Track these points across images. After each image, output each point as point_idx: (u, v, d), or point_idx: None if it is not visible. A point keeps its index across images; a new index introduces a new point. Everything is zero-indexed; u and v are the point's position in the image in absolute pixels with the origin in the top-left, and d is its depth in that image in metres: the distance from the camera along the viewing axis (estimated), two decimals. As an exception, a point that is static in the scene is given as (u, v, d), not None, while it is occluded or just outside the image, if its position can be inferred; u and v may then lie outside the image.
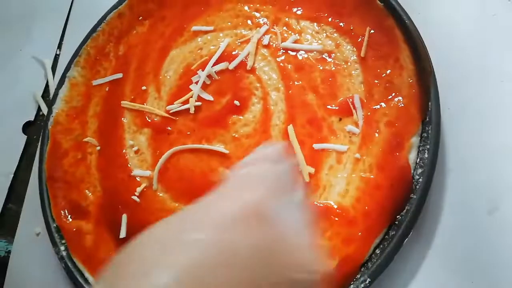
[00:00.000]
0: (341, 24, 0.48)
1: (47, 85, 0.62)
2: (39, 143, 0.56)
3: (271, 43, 0.50)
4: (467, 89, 0.43)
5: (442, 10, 0.47)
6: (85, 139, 0.54)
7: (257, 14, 0.52)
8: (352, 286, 0.39)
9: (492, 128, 0.42)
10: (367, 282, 0.38)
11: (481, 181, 0.41)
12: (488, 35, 0.44)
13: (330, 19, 0.49)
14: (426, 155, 0.40)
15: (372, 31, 0.46)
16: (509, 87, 0.43)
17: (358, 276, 0.39)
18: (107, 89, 0.56)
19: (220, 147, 0.48)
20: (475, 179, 0.41)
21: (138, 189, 0.49)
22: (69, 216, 0.51)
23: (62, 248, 0.49)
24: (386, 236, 0.40)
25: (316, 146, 0.44)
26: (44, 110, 0.60)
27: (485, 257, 0.39)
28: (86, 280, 0.47)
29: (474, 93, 0.43)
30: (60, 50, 0.64)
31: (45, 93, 0.62)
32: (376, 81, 0.44)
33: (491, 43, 0.44)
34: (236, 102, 0.49)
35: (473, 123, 0.42)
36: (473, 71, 0.43)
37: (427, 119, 0.41)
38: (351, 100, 0.45)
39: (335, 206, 0.42)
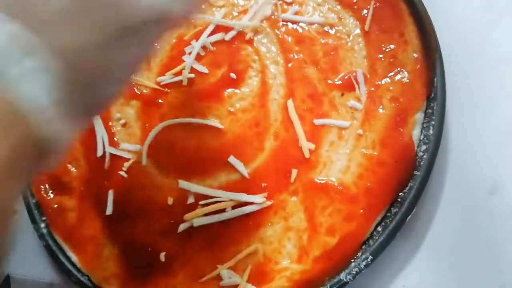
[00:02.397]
0: (344, -4, 0.46)
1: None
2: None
3: (271, 15, 0.48)
4: (472, 67, 0.43)
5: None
6: (68, 111, 0.50)
7: (256, -16, 0.50)
8: (353, 263, 0.38)
9: (495, 108, 0.41)
10: (368, 259, 0.37)
11: (483, 161, 0.41)
12: (496, 13, 0.44)
13: (332, -9, 0.47)
14: (430, 132, 0.39)
15: (376, 4, 0.44)
16: (509, 69, 0.42)
17: (359, 254, 0.38)
18: (92, 58, 0.52)
19: (214, 122, 0.46)
20: (477, 159, 0.41)
21: (126, 164, 0.46)
22: (50, 192, 0.47)
23: (42, 225, 0.46)
24: (388, 214, 0.39)
25: (317, 121, 0.43)
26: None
27: (486, 237, 0.38)
28: (68, 259, 0.44)
29: (479, 71, 0.42)
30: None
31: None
32: (380, 56, 0.43)
33: (500, 21, 0.43)
34: (232, 75, 0.47)
35: (477, 102, 0.42)
36: (480, 50, 0.43)
37: (432, 95, 0.40)
38: (353, 74, 0.43)
39: (336, 183, 0.41)
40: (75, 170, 0.48)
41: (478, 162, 0.41)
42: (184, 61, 0.48)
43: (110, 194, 0.46)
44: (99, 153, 0.47)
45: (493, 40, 0.44)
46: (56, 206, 0.47)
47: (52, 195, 0.47)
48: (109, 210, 0.45)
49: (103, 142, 0.48)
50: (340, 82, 0.44)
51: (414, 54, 0.42)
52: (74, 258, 0.44)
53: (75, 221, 0.46)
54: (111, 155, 0.47)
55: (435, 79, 0.40)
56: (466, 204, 0.40)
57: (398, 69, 0.42)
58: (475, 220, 0.39)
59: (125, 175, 0.46)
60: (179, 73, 0.48)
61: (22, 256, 0.48)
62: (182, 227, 0.42)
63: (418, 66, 0.41)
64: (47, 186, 0.47)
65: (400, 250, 0.39)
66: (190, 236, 0.42)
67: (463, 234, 0.39)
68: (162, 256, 0.42)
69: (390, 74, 0.42)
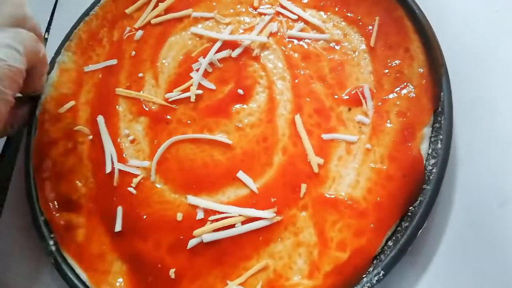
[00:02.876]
0: (348, 14, 0.47)
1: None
2: (26, 132, 0.52)
3: (276, 32, 0.49)
4: (477, 81, 0.43)
5: (452, 1, 0.47)
6: (76, 128, 0.50)
7: (262, 1, 0.51)
8: (365, 279, 0.38)
9: (502, 121, 0.42)
10: (380, 275, 0.37)
11: (491, 174, 0.41)
12: (502, 26, 0.44)
13: (337, 9, 0.48)
14: (438, 146, 0.40)
15: (381, 21, 0.45)
16: (516, 80, 0.43)
17: (371, 269, 0.38)
18: (100, 76, 0.53)
19: (223, 137, 0.46)
20: (485, 172, 0.41)
21: (135, 180, 0.47)
22: (58, 209, 0.47)
23: (51, 242, 0.46)
24: (398, 228, 0.39)
25: (325, 136, 0.43)
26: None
27: (496, 250, 0.38)
28: (77, 276, 0.44)
29: (486, 84, 0.43)
30: (48, 34, 0.60)
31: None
32: (385, 71, 0.44)
33: (505, 34, 0.44)
34: (240, 91, 0.47)
35: (483, 115, 0.42)
36: (486, 63, 0.43)
37: (439, 110, 0.41)
38: (360, 89, 0.44)
39: (346, 198, 0.41)
40: (83, 187, 0.48)
41: (487, 175, 0.41)
42: (191, 77, 0.49)
43: (119, 210, 0.46)
44: (108, 169, 0.48)
45: (499, 53, 0.44)
46: (64, 223, 0.47)
47: (60, 213, 0.47)
48: (118, 227, 0.45)
49: (112, 159, 0.48)
50: (347, 97, 0.44)
51: (420, 69, 0.42)
52: (83, 275, 0.44)
53: (84, 238, 0.46)
54: (120, 171, 0.47)
55: (442, 93, 0.41)
56: (476, 217, 0.40)
57: (404, 84, 0.43)
58: (485, 233, 0.39)
59: (134, 191, 0.46)
60: (187, 90, 0.49)
61: (30, 274, 0.48)
62: (191, 243, 0.42)
63: (424, 81, 0.42)
64: (55, 203, 0.48)
65: (412, 264, 0.39)
66: (199, 252, 0.42)
67: (475, 247, 0.39)
68: (172, 272, 0.42)
69: (396, 89, 0.43)
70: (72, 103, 0.52)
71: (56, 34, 0.58)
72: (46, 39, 0.60)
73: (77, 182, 0.48)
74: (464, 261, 0.39)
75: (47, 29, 0.61)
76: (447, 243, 0.39)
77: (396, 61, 0.44)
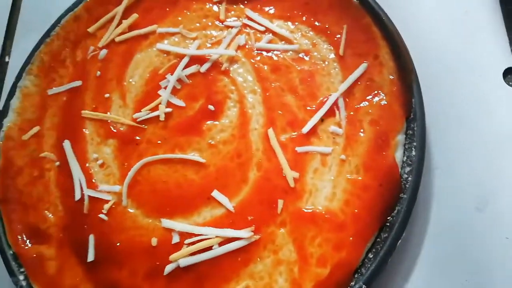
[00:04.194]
0: (316, 23, 0.47)
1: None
2: (-12, 161, 0.49)
3: (245, 44, 0.48)
4: (449, 84, 0.43)
5: (419, 6, 0.47)
6: (42, 154, 0.48)
7: (228, 14, 0.50)
8: (347, 294, 0.37)
9: (474, 124, 0.42)
10: (362, 289, 0.36)
11: (467, 178, 0.41)
12: (469, 28, 0.44)
13: (304, 18, 0.47)
14: (413, 153, 0.39)
15: (349, 29, 0.44)
16: (487, 82, 0.43)
17: (353, 283, 0.37)
18: (64, 98, 0.51)
19: (195, 156, 0.45)
20: (461, 176, 0.41)
21: (106, 206, 0.45)
22: (27, 241, 0.45)
23: (21, 277, 0.44)
24: (378, 239, 0.38)
25: (299, 149, 0.42)
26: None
27: (476, 254, 0.38)
28: (50, 312, 0.42)
29: (457, 87, 0.43)
30: (9, 57, 0.58)
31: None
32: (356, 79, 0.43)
33: (474, 36, 0.44)
34: (211, 107, 0.46)
35: (455, 118, 0.42)
36: (456, 66, 0.44)
37: (411, 116, 0.40)
38: (325, 100, 0.43)
39: (323, 211, 0.40)
40: (52, 217, 0.46)
41: (463, 179, 0.41)
42: (160, 95, 0.48)
43: (91, 238, 0.44)
44: (77, 196, 0.46)
45: (468, 55, 0.44)
46: (34, 256, 0.44)
47: (30, 245, 0.45)
48: (90, 256, 0.43)
49: (81, 185, 0.46)
50: (319, 108, 0.43)
51: (391, 76, 0.42)
52: (56, 310, 0.42)
53: (56, 270, 0.44)
54: (90, 197, 0.45)
55: (413, 100, 0.40)
56: (455, 222, 0.40)
57: (376, 91, 0.42)
58: (465, 237, 0.39)
59: (105, 218, 0.44)
60: (155, 108, 0.47)
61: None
62: (168, 268, 0.41)
63: (395, 88, 0.41)
64: (24, 235, 0.45)
65: (393, 275, 0.39)
66: (177, 278, 0.41)
67: (454, 253, 0.39)
68: (150, 301, 0.40)
69: (368, 97, 0.42)
70: (36, 128, 0.49)
71: (18, 57, 0.56)
72: (7, 63, 0.57)
73: (46, 211, 0.46)
74: (445, 268, 0.38)
75: (8, 53, 0.58)
76: (427, 252, 0.39)
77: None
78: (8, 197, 0.47)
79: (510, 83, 0.42)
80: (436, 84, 0.43)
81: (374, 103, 0.42)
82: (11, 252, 0.45)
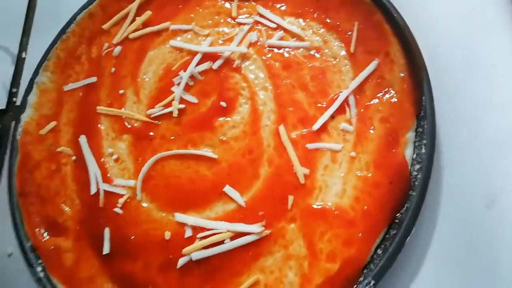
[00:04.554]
0: (327, 20, 0.47)
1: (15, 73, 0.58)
2: (7, 156, 0.51)
3: (256, 41, 0.48)
4: (458, 82, 0.43)
5: (431, 3, 0.47)
6: (59, 149, 0.50)
7: (240, 11, 0.50)
8: (356, 289, 0.38)
9: (485, 121, 0.42)
10: (371, 284, 0.37)
11: (477, 175, 0.40)
12: (479, 25, 0.44)
13: (315, 15, 0.47)
14: (423, 150, 0.39)
15: (360, 26, 0.45)
16: (497, 79, 0.43)
17: (362, 278, 0.38)
18: (80, 94, 0.52)
19: (207, 152, 0.45)
20: (471, 174, 0.41)
21: (121, 200, 0.46)
22: (45, 234, 0.47)
23: (39, 268, 0.45)
24: (387, 236, 0.39)
25: (310, 145, 0.43)
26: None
27: (485, 252, 0.38)
28: (67, 302, 0.44)
29: (467, 85, 0.43)
30: (26, 53, 0.59)
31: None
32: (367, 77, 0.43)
33: (483, 32, 0.44)
34: (223, 103, 0.47)
35: (466, 116, 0.42)
36: (466, 63, 0.43)
37: (422, 114, 0.41)
38: (336, 96, 0.43)
39: (333, 208, 0.40)
40: (69, 210, 0.47)
41: (473, 177, 0.41)
42: (173, 92, 0.49)
43: (107, 232, 0.45)
44: (93, 190, 0.47)
45: (479, 52, 0.44)
46: (52, 248, 0.46)
47: (47, 237, 0.47)
48: (106, 249, 0.44)
49: (97, 179, 0.47)
50: (329, 105, 0.44)
51: (401, 74, 0.42)
52: (73, 300, 0.44)
53: (72, 262, 0.45)
54: (105, 192, 0.47)
55: (423, 97, 0.40)
56: (464, 220, 0.40)
57: (386, 89, 0.42)
58: (474, 235, 0.39)
59: (120, 211, 0.46)
60: (169, 105, 0.48)
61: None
62: (181, 261, 0.42)
63: (406, 85, 0.41)
64: (41, 228, 0.47)
65: (402, 272, 0.39)
66: (190, 271, 0.42)
67: (463, 250, 0.39)
68: (163, 292, 0.42)
69: (378, 95, 0.42)
70: (53, 123, 0.51)
71: (34, 54, 0.57)
72: (23, 59, 0.59)
73: (63, 204, 0.48)
74: (454, 266, 0.38)
75: (24, 49, 0.60)
76: (436, 249, 0.39)
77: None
78: (27, 190, 0.48)
79: (523, 81, 0.42)
80: (446, 81, 0.43)
81: (385, 100, 0.42)
82: (29, 244, 0.46)
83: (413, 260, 0.39)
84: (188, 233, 0.43)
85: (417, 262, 0.39)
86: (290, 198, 0.42)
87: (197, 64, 0.49)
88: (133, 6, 0.53)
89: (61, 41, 0.53)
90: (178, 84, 0.48)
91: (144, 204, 0.46)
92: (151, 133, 0.48)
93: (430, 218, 0.40)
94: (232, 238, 0.41)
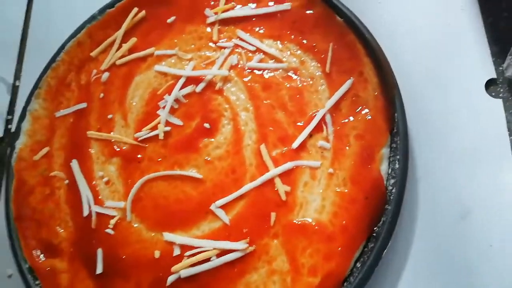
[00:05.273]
0: (303, 41, 0.48)
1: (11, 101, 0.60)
2: (4, 181, 0.53)
3: (237, 64, 0.50)
4: (430, 98, 0.45)
5: (402, 22, 0.49)
6: (52, 174, 0.52)
7: (220, 35, 0.52)
8: (336, 302, 0.39)
9: (456, 134, 0.43)
10: (350, 297, 0.39)
11: (451, 187, 0.42)
12: (444, 43, 0.46)
13: (292, 37, 0.49)
14: (397, 165, 0.41)
15: (334, 47, 0.46)
16: (468, 93, 0.44)
17: (341, 292, 0.39)
18: (71, 120, 0.54)
19: (193, 172, 0.47)
20: (445, 186, 0.42)
21: (112, 221, 0.48)
22: (41, 256, 0.49)
23: (37, 289, 0.47)
24: (366, 249, 0.40)
25: (290, 164, 0.44)
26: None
27: (462, 263, 0.40)
28: (64, 322, 0.45)
29: (437, 99, 0.44)
30: (19, 81, 0.61)
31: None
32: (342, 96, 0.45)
33: (451, 50, 0.45)
34: (206, 125, 0.48)
35: (438, 130, 0.44)
36: (435, 79, 0.45)
37: (395, 130, 0.42)
38: (314, 114, 0.45)
39: (313, 223, 0.42)
40: (63, 232, 0.49)
41: (447, 188, 0.42)
42: (159, 115, 0.50)
43: (99, 252, 0.47)
44: (85, 212, 0.49)
45: (452, 67, 0.46)
46: (48, 269, 0.48)
47: (43, 259, 0.48)
48: (99, 269, 0.46)
49: (88, 202, 0.49)
50: (307, 124, 0.45)
51: (374, 92, 0.44)
52: (69, 320, 0.45)
53: (68, 282, 0.47)
54: (97, 213, 0.49)
55: (396, 114, 0.42)
56: (440, 232, 0.41)
57: (361, 107, 0.44)
58: (450, 246, 0.40)
59: (112, 232, 0.47)
60: (155, 128, 0.50)
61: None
62: (170, 279, 0.44)
63: (379, 103, 0.43)
64: (38, 250, 0.49)
65: (382, 283, 0.40)
66: (179, 288, 0.44)
67: (440, 261, 0.40)
68: (154, 310, 0.43)
69: (354, 113, 0.44)
70: (46, 149, 0.53)
71: (27, 81, 0.59)
72: (17, 87, 0.61)
73: (57, 227, 0.50)
74: (431, 277, 0.40)
75: (18, 77, 0.62)
76: (413, 260, 0.41)
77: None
78: (22, 214, 0.50)
79: (493, 94, 0.44)
80: (419, 97, 0.45)
81: (360, 118, 0.44)
82: (27, 266, 0.48)
83: (392, 271, 0.41)
84: (177, 251, 0.45)
85: (396, 274, 0.41)
86: (273, 215, 0.43)
87: (181, 88, 0.50)
88: (119, 33, 0.55)
89: (51, 69, 0.55)
90: (164, 108, 0.50)
91: (134, 225, 0.48)
92: (139, 156, 0.50)
93: (407, 231, 0.42)
94: (218, 255, 0.43)
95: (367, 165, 0.42)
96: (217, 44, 0.52)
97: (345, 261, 0.40)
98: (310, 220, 0.42)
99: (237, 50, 0.51)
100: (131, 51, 0.54)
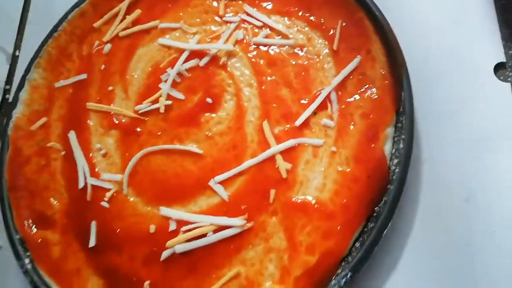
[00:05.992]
0: (311, 18, 0.48)
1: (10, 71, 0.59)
2: (-1, 151, 0.52)
3: (242, 39, 0.49)
4: (439, 78, 0.44)
5: (413, 2, 0.48)
6: (49, 144, 0.51)
7: (227, 10, 0.51)
8: (333, 281, 0.38)
9: (463, 116, 0.42)
10: (348, 276, 0.38)
11: (456, 169, 0.41)
12: (454, 25, 0.45)
13: (300, 13, 0.48)
14: (401, 146, 0.40)
15: (343, 24, 0.45)
16: (477, 76, 0.43)
17: (339, 271, 0.38)
18: (71, 91, 0.53)
19: (193, 147, 0.46)
20: (450, 168, 0.41)
21: (108, 194, 0.47)
22: (33, 227, 0.47)
23: (27, 261, 0.46)
24: (365, 229, 0.40)
25: (292, 141, 0.43)
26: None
27: (464, 245, 0.39)
28: (54, 294, 0.44)
29: (446, 81, 0.43)
30: (19, 51, 0.60)
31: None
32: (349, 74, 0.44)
33: (462, 28, 0.44)
34: (208, 100, 0.47)
35: (445, 112, 0.43)
36: (446, 59, 0.44)
37: (401, 110, 0.41)
38: (318, 93, 0.44)
39: (313, 201, 0.41)
40: (57, 203, 0.48)
41: (452, 171, 0.41)
42: (160, 88, 0.49)
43: (93, 225, 0.46)
44: (81, 184, 0.48)
45: (461, 49, 0.45)
46: (40, 240, 0.47)
47: (35, 230, 0.47)
48: (92, 242, 0.45)
49: (84, 174, 0.48)
50: (312, 101, 0.44)
51: (382, 71, 0.43)
52: (59, 292, 0.44)
53: (59, 254, 0.46)
54: (93, 186, 0.47)
55: (403, 93, 0.41)
56: (442, 214, 0.40)
57: (367, 86, 0.43)
58: (452, 228, 0.40)
59: (107, 205, 0.46)
60: (156, 101, 0.49)
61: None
62: (164, 254, 0.43)
63: (386, 82, 0.42)
64: (30, 221, 0.48)
65: (380, 264, 0.39)
66: (173, 263, 0.43)
67: (441, 243, 0.39)
68: (147, 285, 0.42)
69: (359, 91, 0.43)
70: (44, 119, 0.52)
71: (27, 51, 0.58)
72: (17, 57, 0.60)
73: (51, 198, 0.49)
74: (432, 258, 0.39)
75: (18, 47, 0.61)
76: (414, 241, 0.40)
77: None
78: (16, 184, 0.49)
79: (501, 78, 0.43)
80: (427, 78, 0.44)
81: (365, 96, 0.43)
82: (18, 236, 0.47)
83: (392, 252, 0.40)
84: (172, 226, 0.44)
85: (395, 255, 0.40)
86: (272, 192, 0.42)
87: (184, 62, 0.50)
88: (123, 5, 0.54)
89: (52, 39, 0.54)
90: (166, 81, 0.49)
91: (130, 198, 0.46)
92: (139, 129, 0.49)
93: (410, 212, 0.41)
94: (215, 231, 0.42)
95: (370, 144, 0.41)
96: (223, 19, 0.51)
97: (344, 240, 0.39)
98: (310, 198, 0.41)
99: (243, 25, 0.50)
100: (135, 23, 0.53)
